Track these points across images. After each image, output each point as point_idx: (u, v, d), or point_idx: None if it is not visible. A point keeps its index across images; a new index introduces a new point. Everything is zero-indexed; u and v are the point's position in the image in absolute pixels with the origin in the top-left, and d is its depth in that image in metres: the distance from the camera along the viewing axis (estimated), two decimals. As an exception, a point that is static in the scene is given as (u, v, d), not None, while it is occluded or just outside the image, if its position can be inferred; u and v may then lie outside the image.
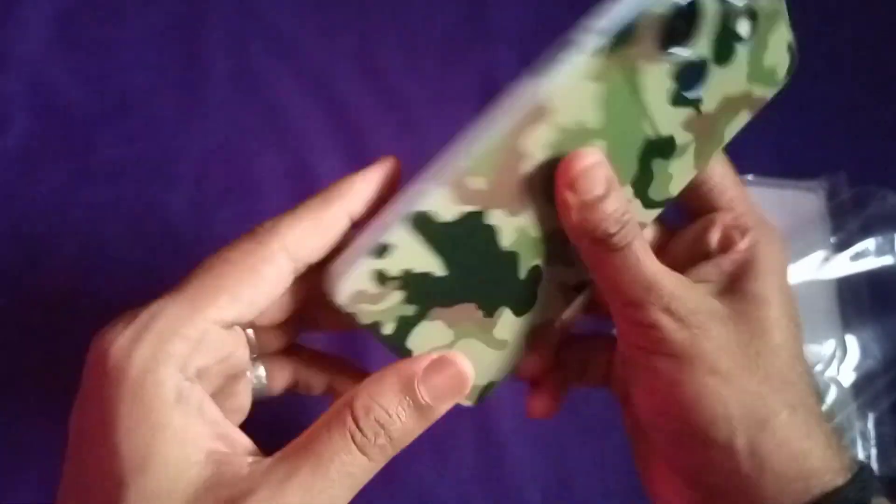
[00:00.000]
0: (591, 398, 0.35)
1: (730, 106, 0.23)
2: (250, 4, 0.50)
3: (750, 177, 0.46)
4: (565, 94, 0.20)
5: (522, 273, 0.24)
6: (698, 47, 0.21)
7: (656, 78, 0.21)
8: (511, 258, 0.23)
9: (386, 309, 0.23)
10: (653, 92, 0.21)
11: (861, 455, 0.39)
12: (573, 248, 0.24)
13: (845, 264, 0.43)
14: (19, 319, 0.41)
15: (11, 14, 0.48)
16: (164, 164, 0.46)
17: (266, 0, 0.50)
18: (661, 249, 0.29)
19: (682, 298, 0.24)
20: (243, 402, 0.27)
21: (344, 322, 0.25)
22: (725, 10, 0.20)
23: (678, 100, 0.22)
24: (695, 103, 0.22)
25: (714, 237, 0.28)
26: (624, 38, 0.19)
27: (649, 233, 0.29)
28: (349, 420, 0.22)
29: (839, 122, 0.49)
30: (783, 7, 0.21)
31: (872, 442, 0.39)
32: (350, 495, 0.23)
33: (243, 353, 0.25)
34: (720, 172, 0.29)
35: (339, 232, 0.25)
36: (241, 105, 0.47)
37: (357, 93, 0.48)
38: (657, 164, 0.24)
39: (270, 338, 0.29)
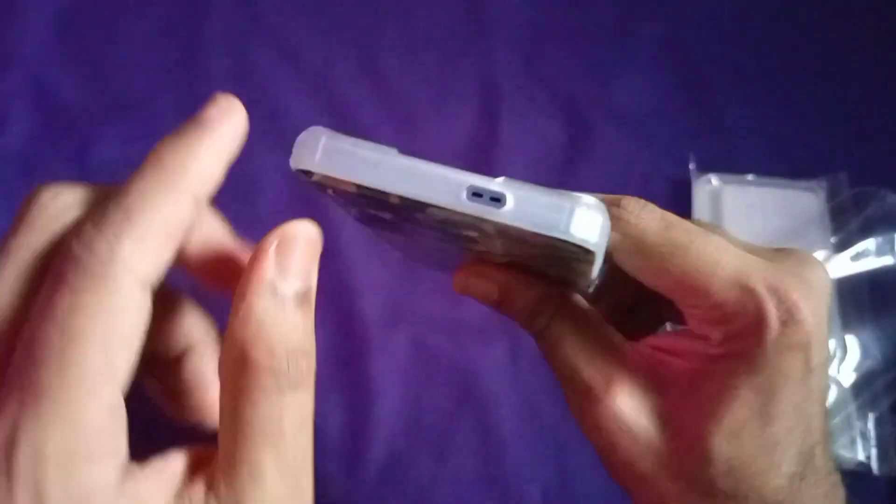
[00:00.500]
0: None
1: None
2: (250, 4, 0.50)
3: (750, 177, 0.46)
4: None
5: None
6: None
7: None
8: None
9: None
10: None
11: (861, 455, 0.39)
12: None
13: (845, 264, 0.43)
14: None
15: (11, 14, 0.48)
16: (164, 164, 0.46)
17: (266, 0, 0.51)
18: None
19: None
20: None
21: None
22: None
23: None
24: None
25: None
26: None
27: None
28: (262, 374, 0.18)
29: (839, 122, 0.49)
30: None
31: (872, 442, 0.39)
32: (310, 438, 0.20)
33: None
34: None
35: (188, 224, 0.20)
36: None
37: (357, 93, 0.48)
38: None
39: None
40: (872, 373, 0.41)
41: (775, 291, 0.21)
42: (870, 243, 0.44)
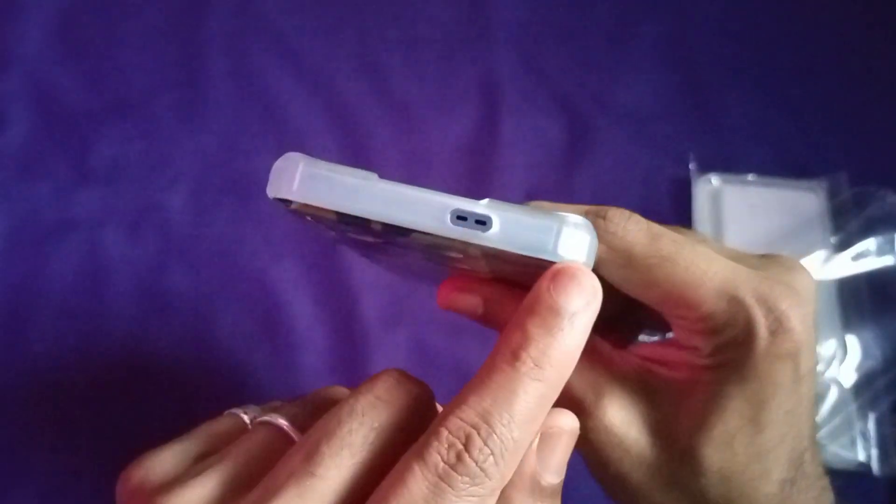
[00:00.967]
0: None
1: None
2: (249, 4, 0.50)
3: (750, 176, 0.46)
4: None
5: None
6: None
7: None
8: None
9: None
10: None
11: (861, 455, 0.39)
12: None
13: (846, 264, 0.43)
14: (20, 319, 0.41)
15: (11, 14, 0.48)
16: (164, 164, 0.46)
17: (266, 0, 0.50)
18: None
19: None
20: None
21: None
22: None
23: None
24: None
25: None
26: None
27: None
28: None
29: (839, 122, 0.49)
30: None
31: (873, 442, 0.39)
32: None
33: None
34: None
35: None
36: (240, 105, 0.47)
37: (357, 92, 0.48)
38: None
39: None
40: (873, 373, 0.41)
41: (764, 301, 0.21)
42: (870, 243, 0.44)
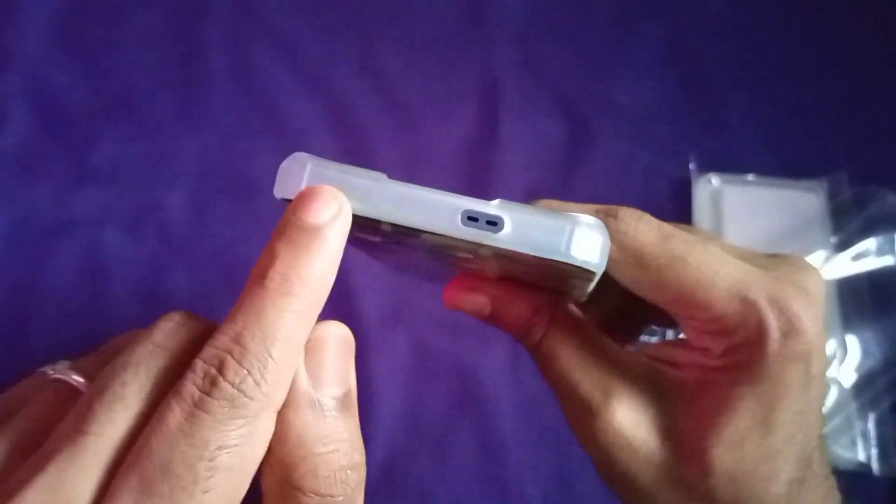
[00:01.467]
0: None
1: None
2: (249, 4, 0.50)
3: (750, 177, 0.46)
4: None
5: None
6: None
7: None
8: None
9: None
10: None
11: (861, 455, 0.39)
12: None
13: (846, 264, 0.43)
14: (20, 319, 0.41)
15: (11, 14, 0.48)
16: (164, 164, 0.46)
17: (265, 0, 0.50)
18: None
19: None
20: None
21: None
22: None
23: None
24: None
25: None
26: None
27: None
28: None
29: (839, 122, 0.49)
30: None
31: (873, 442, 0.39)
32: None
33: None
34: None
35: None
36: (240, 104, 0.47)
37: (357, 92, 0.48)
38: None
39: None
40: (873, 373, 0.41)
41: (776, 302, 0.21)
42: (870, 243, 0.44)
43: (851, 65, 0.51)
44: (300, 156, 0.19)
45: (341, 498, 0.18)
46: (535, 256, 0.19)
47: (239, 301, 0.18)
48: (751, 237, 0.44)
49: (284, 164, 0.19)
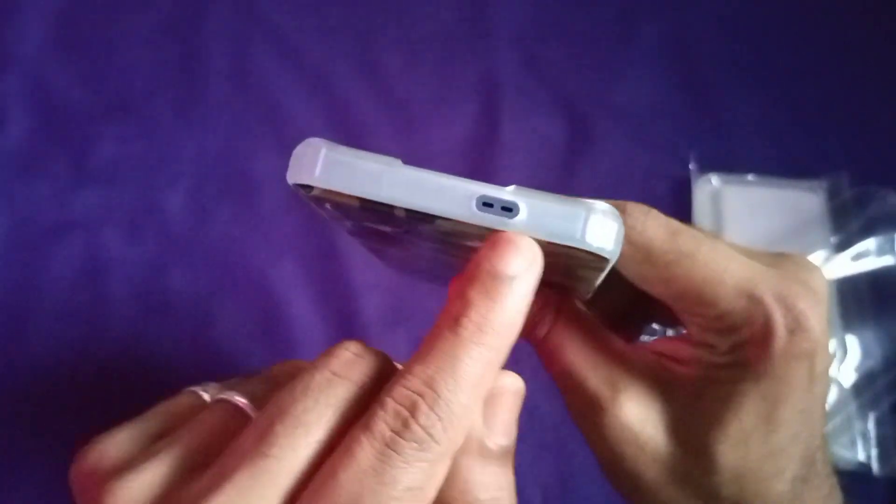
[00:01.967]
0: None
1: None
2: (249, 4, 0.50)
3: (750, 177, 0.46)
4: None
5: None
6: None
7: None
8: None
9: None
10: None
11: (861, 455, 0.39)
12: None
13: (846, 264, 0.43)
14: (20, 319, 0.41)
15: (11, 14, 0.48)
16: (164, 164, 0.46)
17: (265, 0, 0.50)
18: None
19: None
20: None
21: None
22: None
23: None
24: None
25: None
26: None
27: None
28: None
29: (840, 121, 0.49)
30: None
31: (873, 442, 0.39)
32: None
33: None
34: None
35: None
36: (240, 105, 0.47)
37: (357, 92, 0.48)
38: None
39: None
40: (873, 373, 0.41)
41: (783, 300, 0.21)
42: (870, 243, 0.44)
43: (851, 65, 0.51)
44: (314, 141, 0.19)
45: None
46: (548, 243, 0.18)
47: (429, 343, 0.18)
48: (751, 237, 0.44)
49: (298, 150, 0.19)
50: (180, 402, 0.23)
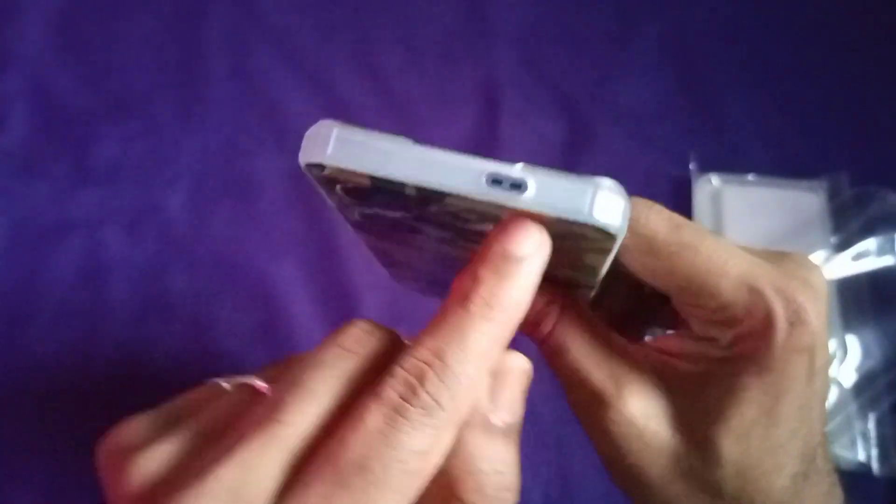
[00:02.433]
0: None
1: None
2: (249, 4, 0.50)
3: (750, 176, 0.46)
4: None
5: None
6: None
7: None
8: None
9: None
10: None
11: (861, 455, 0.39)
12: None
13: (846, 264, 0.43)
14: (20, 319, 0.41)
15: (11, 14, 0.48)
16: (164, 164, 0.46)
17: (265, 0, 0.50)
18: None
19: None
20: None
21: None
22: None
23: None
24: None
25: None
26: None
27: None
28: None
29: (840, 121, 0.49)
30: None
31: (873, 442, 0.39)
32: None
33: None
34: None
35: None
36: (240, 104, 0.47)
37: (357, 92, 0.48)
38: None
39: None
40: (873, 373, 0.41)
41: (783, 293, 0.21)
42: (870, 243, 0.44)
43: (851, 65, 0.51)
44: (326, 122, 0.19)
45: None
46: (556, 222, 0.19)
47: (439, 318, 0.20)
48: (751, 237, 0.44)
49: (311, 131, 0.19)
50: (201, 391, 0.24)
